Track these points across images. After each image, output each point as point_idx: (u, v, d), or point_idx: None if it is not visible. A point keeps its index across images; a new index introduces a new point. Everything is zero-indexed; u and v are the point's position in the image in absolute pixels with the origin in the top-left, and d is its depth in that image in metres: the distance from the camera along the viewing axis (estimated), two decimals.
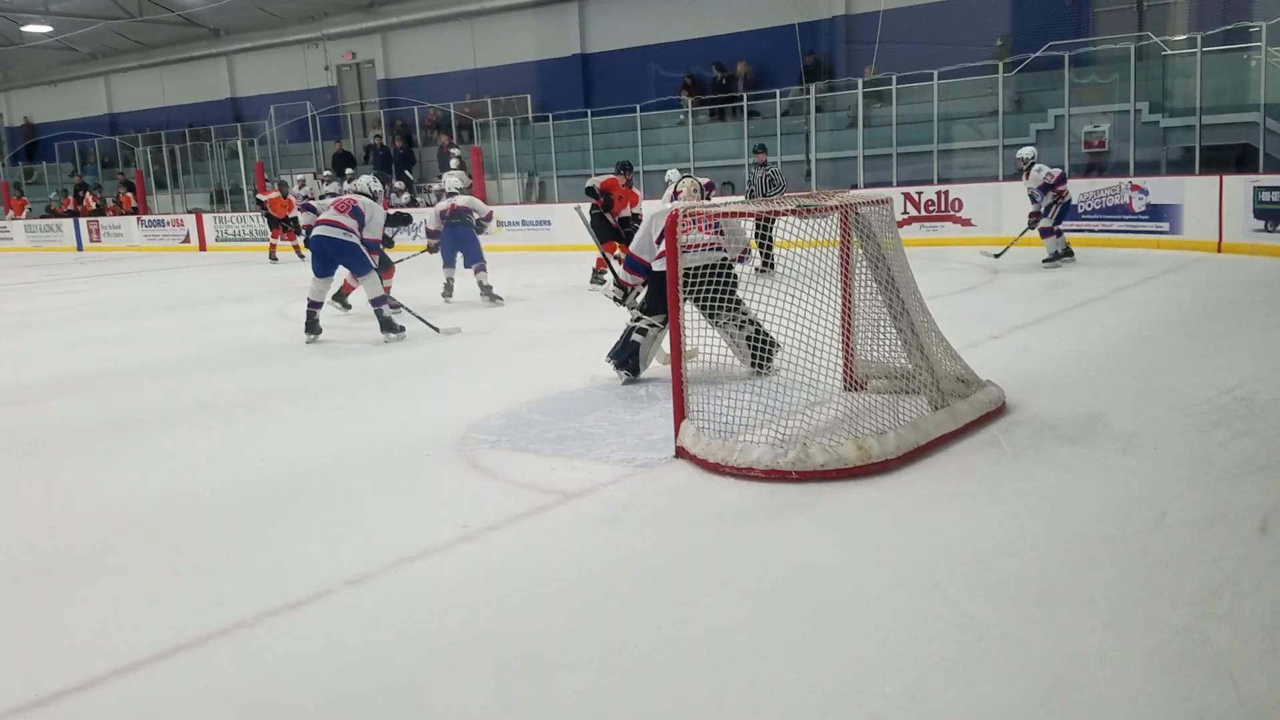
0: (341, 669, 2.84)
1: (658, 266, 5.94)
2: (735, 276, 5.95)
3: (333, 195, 20.57)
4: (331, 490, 4.56)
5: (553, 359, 7.41)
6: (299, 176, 22.21)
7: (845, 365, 5.28)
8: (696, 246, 5.73)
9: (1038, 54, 14.27)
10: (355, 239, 8.36)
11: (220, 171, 24.71)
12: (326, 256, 8.40)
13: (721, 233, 5.94)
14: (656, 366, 6.21)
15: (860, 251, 5.01)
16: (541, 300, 11.04)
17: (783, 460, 4.25)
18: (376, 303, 8.45)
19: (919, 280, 5.24)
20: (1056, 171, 11.61)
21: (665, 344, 5.69)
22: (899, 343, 5.00)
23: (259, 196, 19.82)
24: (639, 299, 6.32)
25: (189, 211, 23.68)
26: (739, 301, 5.83)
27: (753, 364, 5.75)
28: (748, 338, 5.78)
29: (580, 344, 8.02)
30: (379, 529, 3.98)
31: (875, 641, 2.86)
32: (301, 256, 18.13)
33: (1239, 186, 11.68)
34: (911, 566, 3.37)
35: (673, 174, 11.87)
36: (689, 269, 5.42)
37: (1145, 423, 4.87)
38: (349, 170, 20.84)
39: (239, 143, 23.80)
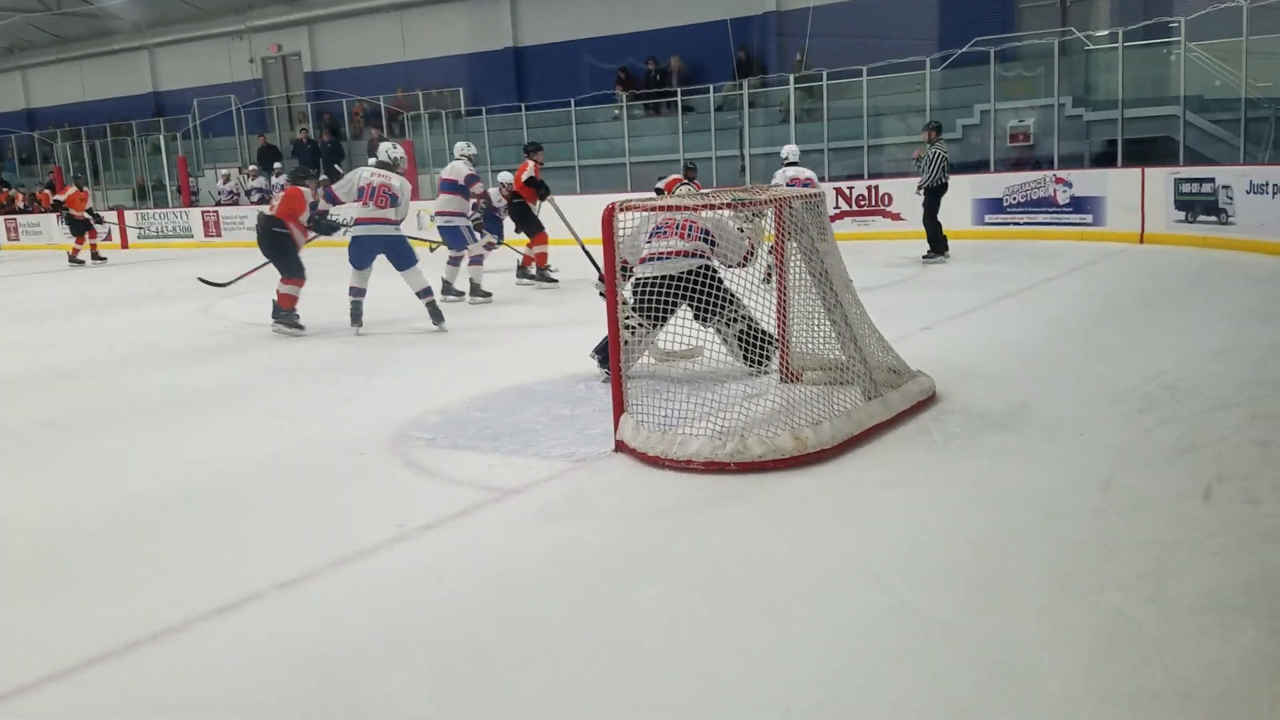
0: (276, 672, 2.78)
1: (641, 272, 5.60)
2: (720, 280, 5.48)
3: (260, 190, 20.38)
4: (263, 492, 4.46)
5: (491, 355, 7.36)
6: (223, 171, 21.80)
7: (782, 357, 5.32)
8: (677, 253, 5.55)
9: (964, 49, 14.51)
10: (400, 231, 8.29)
11: (143, 167, 24.12)
12: (374, 251, 8.22)
13: (712, 241, 5.66)
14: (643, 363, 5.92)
15: (794, 245, 5.04)
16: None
17: (721, 452, 4.26)
18: (425, 293, 8.30)
19: (851, 273, 5.29)
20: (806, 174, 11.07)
21: (663, 341, 5.53)
22: (833, 334, 5.05)
23: (56, 196, 19.22)
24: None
25: (110, 208, 23.08)
26: (729, 302, 5.47)
27: (746, 362, 5.63)
28: (738, 335, 5.61)
29: (518, 340, 8.00)
30: (312, 530, 3.90)
31: (816, 630, 2.88)
32: (80, 262, 17.82)
33: (1160, 178, 12.00)
34: (850, 555, 3.40)
35: (789, 150, 11.34)
36: (670, 276, 5.32)
37: (1072, 410, 4.97)
38: (276, 165, 20.48)
39: (162, 138, 23.27)
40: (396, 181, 8.21)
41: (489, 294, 10.13)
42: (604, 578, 3.36)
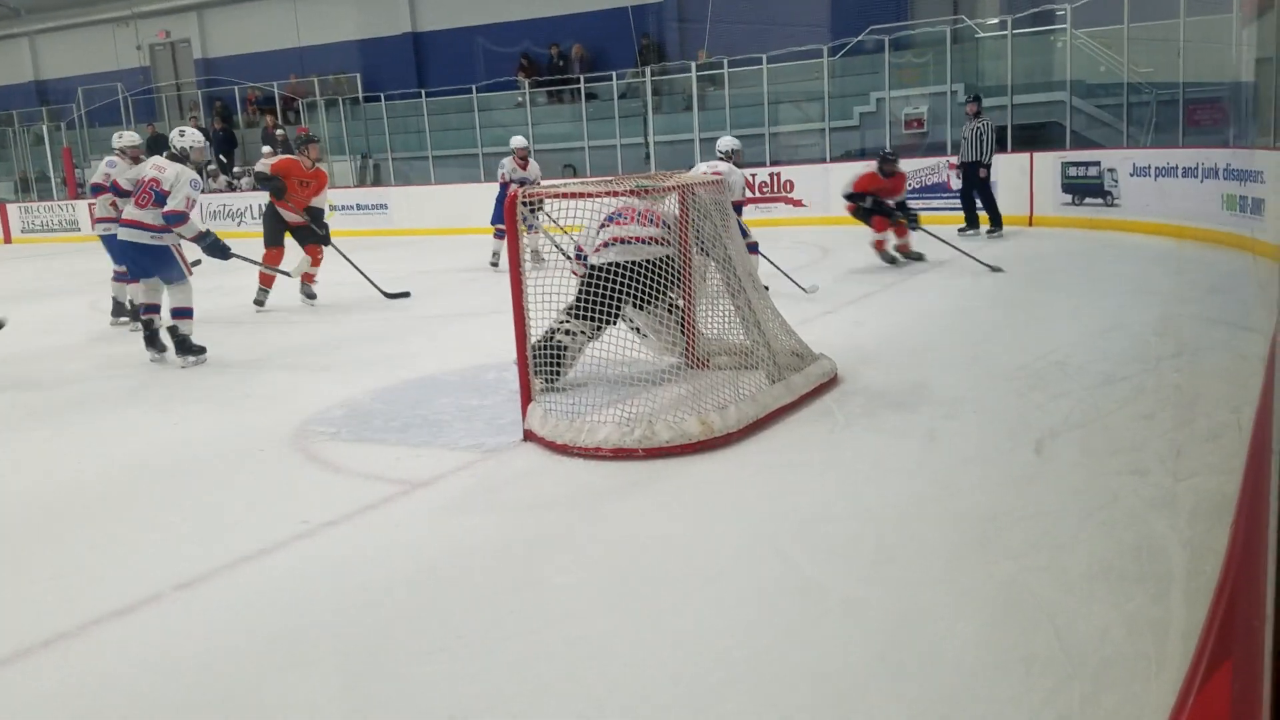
0: (174, 674, 2.71)
1: (596, 259, 5.29)
2: (674, 271, 5.24)
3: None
4: (159, 491, 4.33)
5: (398, 346, 7.25)
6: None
7: (688, 342, 5.36)
8: (641, 239, 5.28)
9: (859, 38, 14.76)
10: (162, 240, 6.82)
11: (25, 159, 23.12)
12: (137, 260, 7.02)
13: (664, 225, 5.36)
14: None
15: (697, 231, 5.08)
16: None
17: (629, 438, 4.29)
18: (180, 314, 6.92)
19: (754, 259, 5.35)
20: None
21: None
22: (737, 319, 5.11)
23: None
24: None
25: None
26: (670, 289, 5.31)
27: (666, 346, 5.51)
28: (672, 320, 5.46)
29: (424, 331, 7.89)
30: (211, 530, 3.81)
31: (723, 608, 2.93)
32: None
33: (1048, 162, 12.39)
34: (755, 534, 3.45)
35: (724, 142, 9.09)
36: (635, 262, 5.09)
37: (967, 389, 5.12)
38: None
39: (45, 127, 22.34)
40: (171, 174, 6.81)
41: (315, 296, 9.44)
42: (512, 567, 3.35)
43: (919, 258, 9.88)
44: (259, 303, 9.15)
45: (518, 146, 11.62)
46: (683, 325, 5.46)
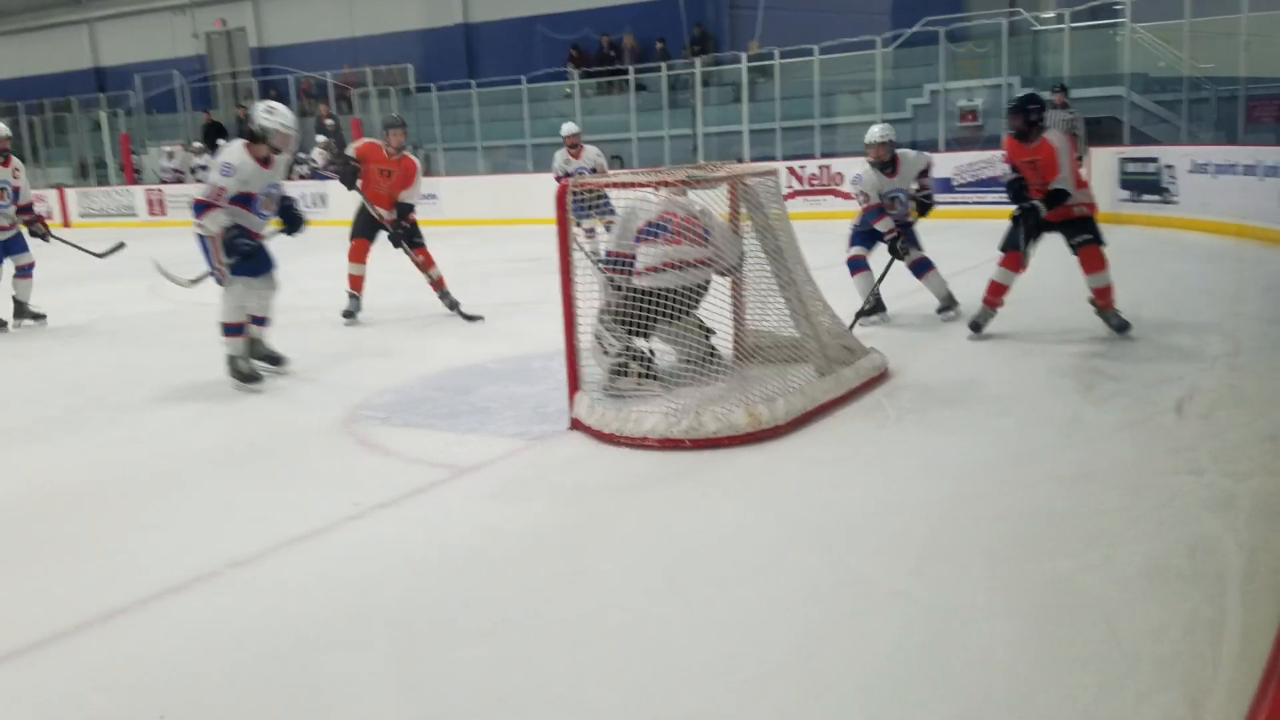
0: (231, 652, 2.76)
1: (648, 282, 4.96)
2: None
3: (205, 168, 20.00)
4: (215, 474, 4.40)
5: (446, 336, 7.29)
6: (167, 148, 21.36)
7: (736, 334, 5.34)
8: (691, 264, 5.06)
9: (914, 29, 14.60)
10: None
11: (83, 145, 23.55)
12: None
13: (709, 242, 5.09)
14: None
15: (749, 223, 5.06)
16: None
17: (676, 429, 4.28)
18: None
19: (804, 252, 5.32)
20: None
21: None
22: (786, 312, 5.08)
23: None
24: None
25: (51, 186, 22.54)
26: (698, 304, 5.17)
27: (691, 362, 5.09)
28: (701, 335, 5.19)
29: (476, 321, 7.92)
30: (265, 511, 3.87)
31: (769, 600, 2.92)
32: None
33: (1106, 158, 12.18)
34: (801, 527, 3.44)
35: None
36: (687, 287, 4.99)
37: (1020, 385, 5.06)
38: (220, 141, 20.11)
39: (103, 114, 22.70)
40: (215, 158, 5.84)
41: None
42: (559, 553, 3.36)
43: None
44: (348, 314, 7.82)
45: (567, 134, 10.79)
46: (708, 342, 5.19)
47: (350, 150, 8.01)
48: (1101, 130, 13.28)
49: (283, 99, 21.19)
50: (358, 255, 7.81)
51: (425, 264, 7.78)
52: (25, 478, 4.43)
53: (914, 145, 14.59)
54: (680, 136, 16.69)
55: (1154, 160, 11.62)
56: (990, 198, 13.20)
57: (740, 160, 15.29)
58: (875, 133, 6.96)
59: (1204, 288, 7.70)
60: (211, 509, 3.94)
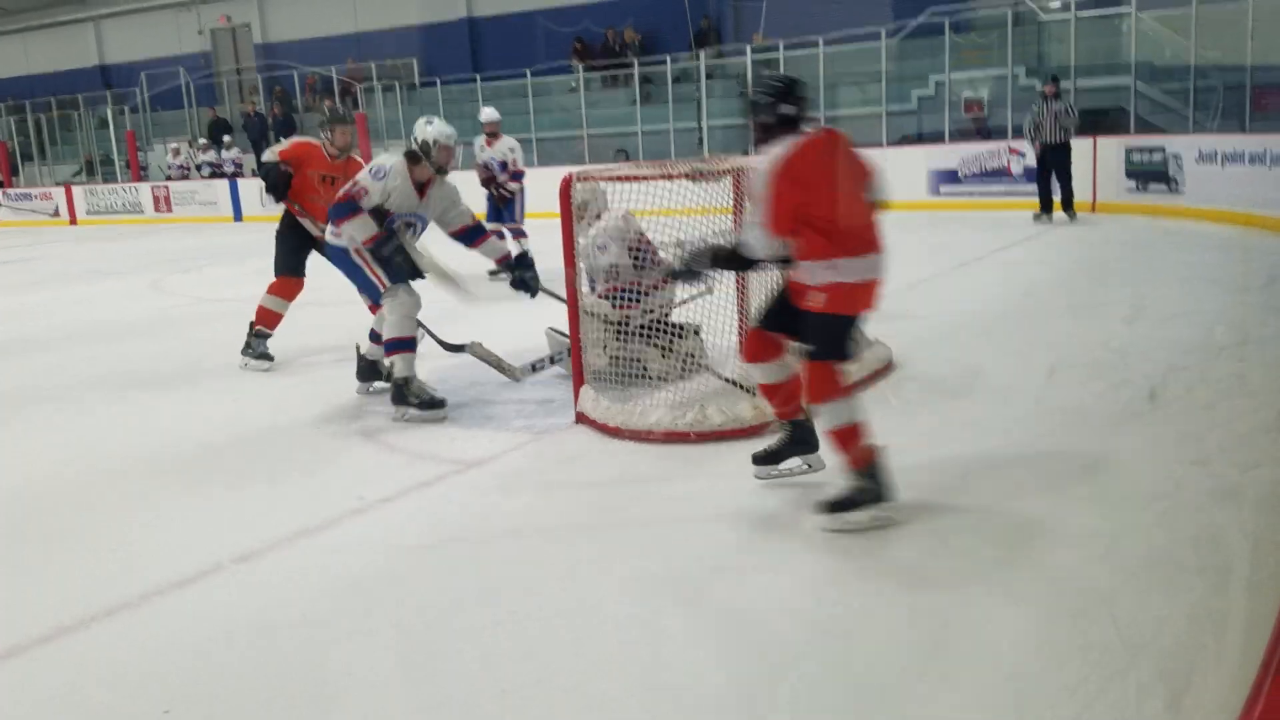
0: (233, 644, 2.78)
1: (643, 317, 4.85)
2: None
3: (210, 165, 20.05)
4: (218, 467, 4.42)
5: (450, 331, 7.28)
6: (173, 145, 21.40)
7: (740, 329, 5.33)
8: (649, 289, 5.04)
9: (919, 20, 14.55)
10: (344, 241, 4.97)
11: (90, 142, 23.61)
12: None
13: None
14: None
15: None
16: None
17: (681, 422, 4.29)
18: None
19: None
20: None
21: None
22: None
23: None
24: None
25: (58, 184, 22.60)
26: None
27: (665, 353, 5.04)
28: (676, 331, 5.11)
29: (475, 315, 7.92)
30: (271, 504, 3.88)
31: (775, 593, 2.92)
32: None
33: (1112, 148, 12.13)
34: (806, 518, 3.43)
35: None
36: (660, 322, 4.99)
37: (1024, 377, 5.04)
38: (226, 138, 20.17)
39: (109, 111, 22.76)
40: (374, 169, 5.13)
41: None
42: (565, 546, 3.37)
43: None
44: (262, 356, 6.27)
45: (486, 120, 10.16)
46: (682, 339, 5.09)
47: (272, 153, 6.13)
48: (1107, 120, 13.22)
49: (288, 94, 21.29)
50: (285, 292, 6.22)
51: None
52: (27, 473, 4.45)
53: (919, 137, 14.65)
54: (685, 130, 16.66)
55: (1160, 150, 11.58)
56: (995, 188, 13.18)
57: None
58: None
59: (1211, 277, 7.68)
60: (216, 503, 3.95)
